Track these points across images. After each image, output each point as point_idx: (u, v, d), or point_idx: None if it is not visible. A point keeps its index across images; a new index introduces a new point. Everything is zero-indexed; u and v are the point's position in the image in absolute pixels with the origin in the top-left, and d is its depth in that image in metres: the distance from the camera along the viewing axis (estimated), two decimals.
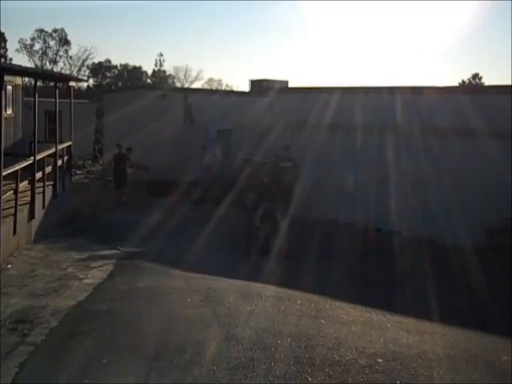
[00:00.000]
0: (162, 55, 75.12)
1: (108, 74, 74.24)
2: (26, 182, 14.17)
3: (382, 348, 7.23)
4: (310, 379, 6.20)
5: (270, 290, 10.06)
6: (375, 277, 11.76)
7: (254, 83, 25.89)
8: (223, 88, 67.29)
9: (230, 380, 6.09)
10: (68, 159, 19.45)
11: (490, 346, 7.72)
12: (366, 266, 12.70)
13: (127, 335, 7.44)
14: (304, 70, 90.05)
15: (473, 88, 38.79)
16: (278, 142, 19.60)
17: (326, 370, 6.45)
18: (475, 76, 65.28)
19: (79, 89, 48.75)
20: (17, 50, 66.79)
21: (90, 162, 33.25)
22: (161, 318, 8.12)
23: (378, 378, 6.32)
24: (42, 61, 67.55)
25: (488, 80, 65.41)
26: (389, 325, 8.34)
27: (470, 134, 15.18)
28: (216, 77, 77.85)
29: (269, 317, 8.41)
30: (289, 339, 7.36)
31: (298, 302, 9.40)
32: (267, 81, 25.58)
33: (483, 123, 14.61)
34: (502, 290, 10.54)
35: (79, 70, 68.81)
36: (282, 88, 24.16)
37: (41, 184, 15.31)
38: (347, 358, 6.80)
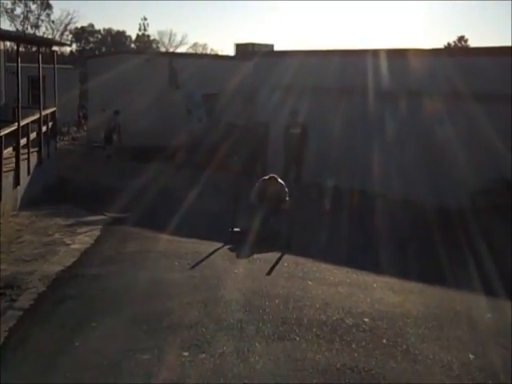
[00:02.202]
0: (145, 19, 73.97)
1: (91, 39, 73.35)
2: (10, 149, 14.05)
3: (368, 308, 7.34)
4: (297, 339, 6.29)
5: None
6: (360, 239, 11.80)
7: (240, 47, 25.72)
8: (208, 53, 66.69)
9: (218, 341, 6.16)
10: (52, 125, 19.28)
11: (473, 304, 7.84)
12: (350, 227, 12.71)
13: (116, 299, 7.49)
14: (289, 34, 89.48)
15: (459, 50, 38.66)
16: (264, 105, 19.55)
17: (314, 329, 6.54)
18: (461, 38, 65.06)
19: (62, 54, 48.11)
20: None
21: (75, 128, 33.02)
22: (149, 282, 8.17)
23: (365, 336, 6.43)
24: (23, 25, 66.37)
25: (473, 43, 65.29)
26: (375, 285, 8.44)
27: (457, 97, 15.16)
28: (201, 41, 77.24)
29: (256, 279, 8.49)
30: (276, 300, 7.44)
31: (285, 264, 9.47)
32: (252, 45, 25.42)
33: (470, 86, 14.59)
34: (484, 251, 10.64)
35: (62, 34, 67.78)
36: (268, 52, 23.98)
37: (25, 150, 15.18)
38: (334, 318, 6.89)
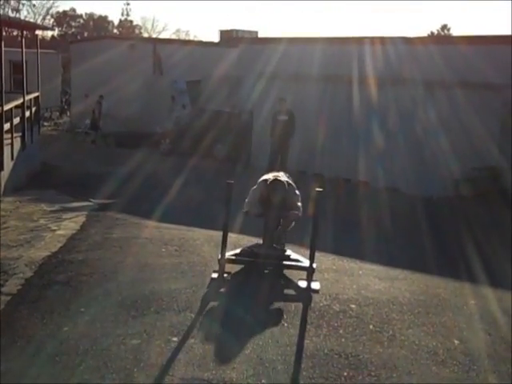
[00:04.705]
0: (128, 4, 73.92)
1: (73, 24, 72.53)
2: None
3: (354, 294, 7.42)
4: (285, 325, 6.36)
5: (244, 239, 10.13)
6: (345, 227, 11.87)
7: (224, 34, 25.68)
8: (191, 39, 66.28)
9: (207, 326, 6.23)
10: (36, 110, 19.15)
11: (458, 291, 7.95)
12: (334, 216, 12.76)
13: (103, 284, 7.49)
14: (273, 20, 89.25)
15: (443, 38, 38.82)
16: (248, 92, 19.56)
17: (301, 315, 6.61)
18: (444, 27, 65.36)
19: (43, 39, 47.59)
20: None
21: (58, 113, 32.84)
22: (136, 268, 8.18)
23: (352, 322, 6.50)
24: (3, 9, 65.44)
25: (456, 31, 65.63)
26: (360, 272, 8.51)
27: (438, 85, 15.28)
28: (183, 28, 76.76)
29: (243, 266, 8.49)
30: (264, 287, 7.49)
31: None
32: (237, 31, 25.41)
33: (453, 74, 14.73)
34: (468, 239, 10.78)
35: (43, 19, 66.87)
36: (252, 38, 23.98)
37: (9, 135, 15.08)
38: (321, 304, 6.96)
